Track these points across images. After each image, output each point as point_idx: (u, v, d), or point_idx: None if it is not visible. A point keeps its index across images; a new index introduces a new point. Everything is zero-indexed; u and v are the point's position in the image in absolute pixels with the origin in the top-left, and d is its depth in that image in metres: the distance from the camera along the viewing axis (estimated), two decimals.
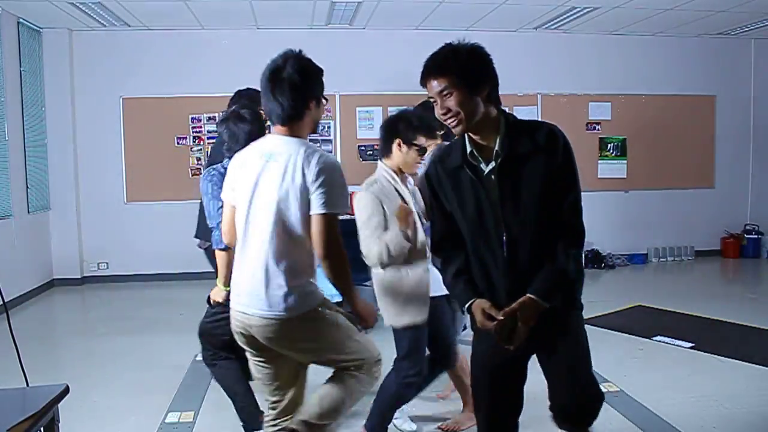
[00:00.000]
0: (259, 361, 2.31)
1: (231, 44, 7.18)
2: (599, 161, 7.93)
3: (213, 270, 3.22)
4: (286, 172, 2.09)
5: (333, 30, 7.28)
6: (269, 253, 2.12)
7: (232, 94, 4.02)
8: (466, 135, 1.97)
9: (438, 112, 1.93)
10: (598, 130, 7.91)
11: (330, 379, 2.33)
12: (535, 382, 2.16)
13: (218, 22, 6.87)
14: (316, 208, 2.08)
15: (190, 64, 7.15)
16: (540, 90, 7.70)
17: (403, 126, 2.82)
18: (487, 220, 1.96)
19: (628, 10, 6.50)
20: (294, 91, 2.13)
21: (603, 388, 3.68)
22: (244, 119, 2.90)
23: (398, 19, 6.95)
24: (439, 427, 3.27)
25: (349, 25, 7.14)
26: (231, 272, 2.38)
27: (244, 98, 3.78)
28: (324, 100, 2.27)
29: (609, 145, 7.95)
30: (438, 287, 2.60)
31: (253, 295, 2.15)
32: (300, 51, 2.21)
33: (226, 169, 2.53)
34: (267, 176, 2.13)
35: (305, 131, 2.22)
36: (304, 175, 2.07)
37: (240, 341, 2.30)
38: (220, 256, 2.84)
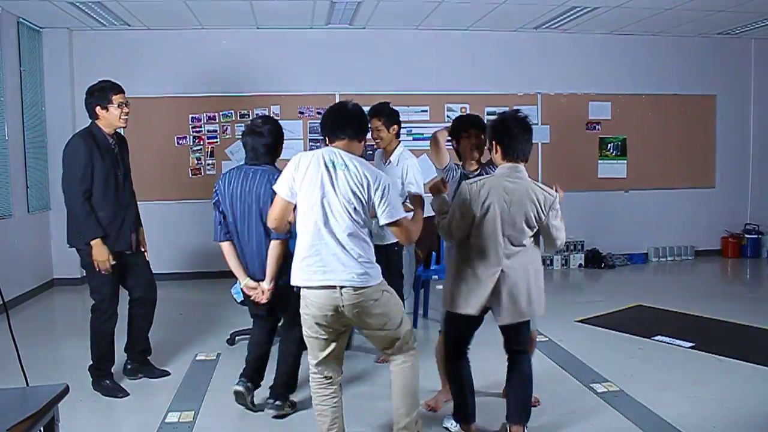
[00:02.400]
0: (326, 338, 2.78)
1: (231, 44, 7.18)
2: (599, 161, 7.93)
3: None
4: (355, 180, 2.66)
5: (333, 30, 7.27)
6: (347, 240, 2.65)
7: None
8: None
9: None
10: (598, 130, 7.91)
11: (395, 374, 2.85)
12: None
13: (218, 22, 6.87)
14: (386, 219, 2.69)
15: (190, 64, 7.14)
16: (540, 90, 7.69)
17: None
18: None
19: (627, 10, 6.50)
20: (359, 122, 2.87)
21: (603, 387, 3.73)
22: (261, 135, 3.29)
23: (398, 19, 6.95)
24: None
25: (349, 25, 7.14)
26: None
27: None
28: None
29: (609, 145, 7.95)
30: None
31: (339, 271, 2.64)
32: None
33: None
34: (341, 180, 2.66)
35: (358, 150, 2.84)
36: (368, 188, 2.66)
37: (322, 321, 2.71)
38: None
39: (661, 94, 7.93)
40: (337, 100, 7.31)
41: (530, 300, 2.90)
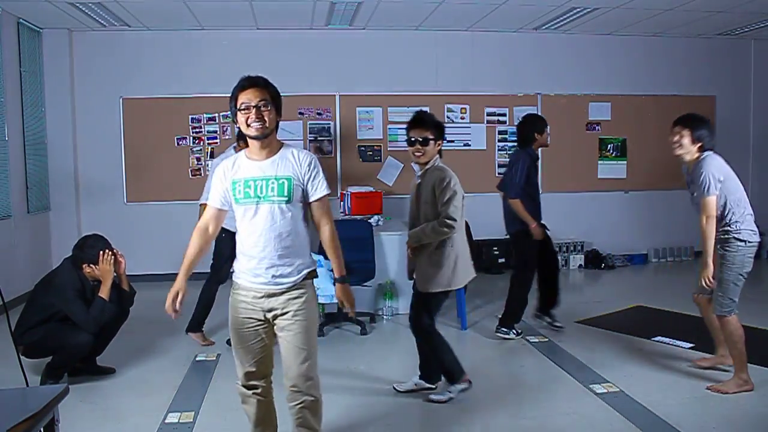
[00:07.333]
0: None
1: (231, 44, 7.18)
2: (599, 161, 7.93)
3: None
4: None
5: (333, 30, 7.28)
6: None
7: None
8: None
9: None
10: (598, 130, 7.91)
11: None
12: None
13: (218, 22, 6.87)
14: None
15: (190, 64, 7.15)
16: (540, 90, 7.69)
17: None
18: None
19: (628, 10, 6.51)
20: None
21: (603, 388, 3.73)
22: None
23: (398, 19, 6.95)
24: (708, 388, 3.72)
25: (349, 25, 7.14)
26: None
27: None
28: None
29: (609, 146, 7.95)
30: None
31: None
32: None
33: None
34: None
35: None
36: None
37: None
38: None
39: (660, 95, 7.92)
40: (337, 101, 7.48)
41: None
